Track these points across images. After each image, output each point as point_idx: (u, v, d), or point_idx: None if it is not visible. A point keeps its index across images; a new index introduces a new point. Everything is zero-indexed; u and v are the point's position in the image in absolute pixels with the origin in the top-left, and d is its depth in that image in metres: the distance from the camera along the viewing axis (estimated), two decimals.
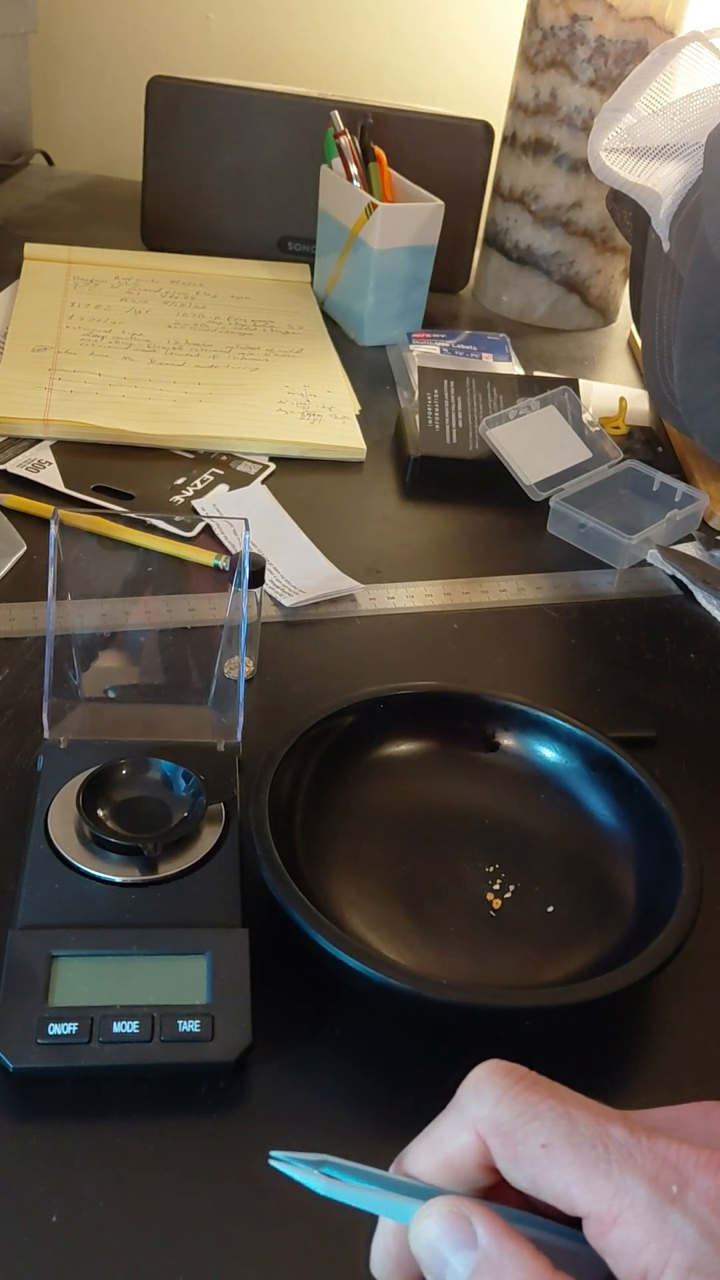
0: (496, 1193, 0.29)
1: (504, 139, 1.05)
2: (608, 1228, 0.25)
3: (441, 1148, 0.28)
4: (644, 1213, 0.25)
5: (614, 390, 0.93)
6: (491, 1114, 0.27)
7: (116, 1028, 0.37)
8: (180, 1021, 0.38)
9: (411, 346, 0.95)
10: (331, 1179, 0.28)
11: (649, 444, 0.85)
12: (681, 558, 0.71)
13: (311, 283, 1.07)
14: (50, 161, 1.39)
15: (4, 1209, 0.34)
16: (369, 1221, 0.35)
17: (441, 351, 0.94)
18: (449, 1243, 0.27)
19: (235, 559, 0.50)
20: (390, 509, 0.75)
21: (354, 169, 0.97)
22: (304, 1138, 0.37)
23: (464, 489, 0.77)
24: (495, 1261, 0.26)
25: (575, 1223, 0.27)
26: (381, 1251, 0.30)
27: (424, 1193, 0.29)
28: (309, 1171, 0.29)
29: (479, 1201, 0.27)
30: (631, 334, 1.07)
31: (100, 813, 0.45)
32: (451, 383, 0.84)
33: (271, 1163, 0.28)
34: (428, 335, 0.96)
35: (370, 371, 0.93)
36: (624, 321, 1.12)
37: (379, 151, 0.99)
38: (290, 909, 0.40)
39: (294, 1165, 0.29)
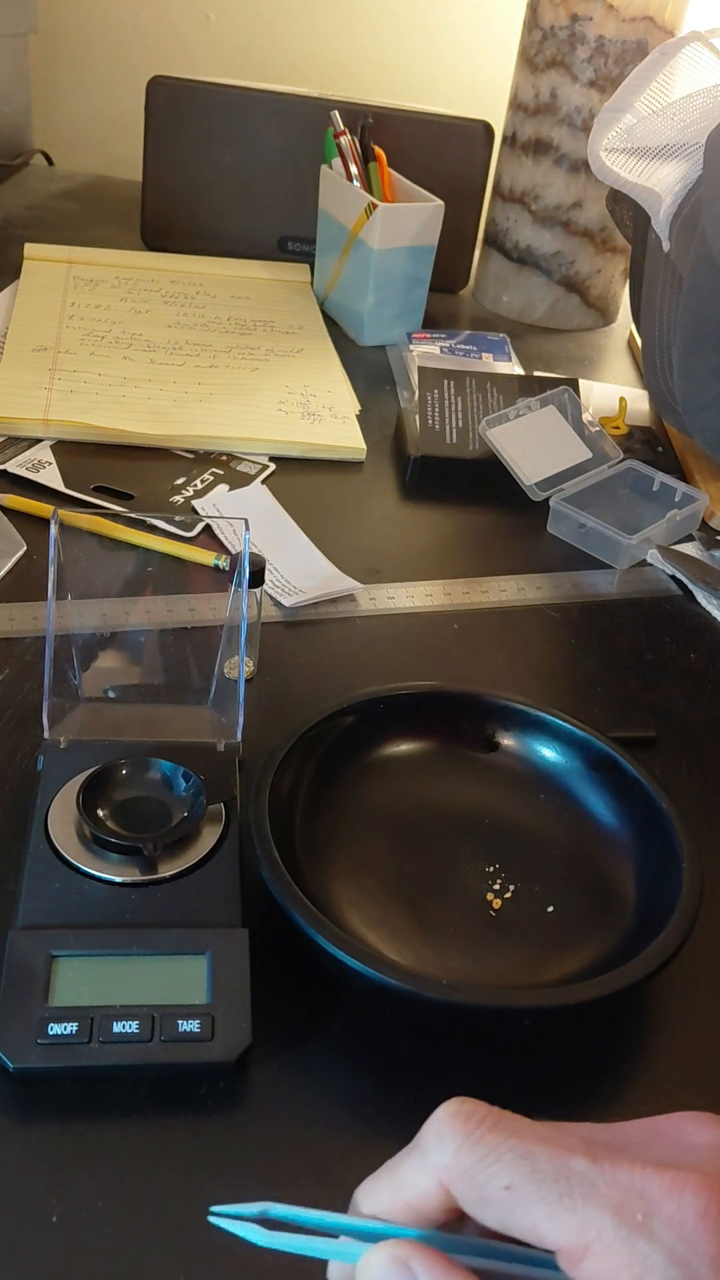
0: (469, 1219, 0.28)
1: (504, 139, 1.05)
2: (579, 1260, 0.26)
3: (404, 1192, 0.28)
4: (612, 1243, 0.25)
5: (614, 390, 0.93)
6: (454, 1162, 0.27)
7: (116, 1028, 0.37)
8: (180, 1021, 0.38)
9: (411, 346, 0.95)
10: (272, 1230, 0.28)
11: (649, 444, 0.85)
12: (681, 558, 0.71)
13: (311, 283, 1.07)
14: (50, 161, 1.39)
15: (4, 1209, 0.34)
16: None
17: (441, 351, 0.94)
18: None
19: (235, 559, 0.50)
20: (390, 509, 0.75)
21: (354, 169, 0.97)
22: (304, 1137, 0.37)
23: (464, 489, 0.77)
24: None
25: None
26: (338, 1272, 0.29)
27: (373, 1233, 0.28)
28: (247, 1225, 0.28)
29: (420, 1245, 0.27)
30: (631, 334, 1.07)
31: (100, 813, 0.45)
32: (451, 383, 0.84)
33: (210, 1219, 0.28)
34: (428, 335, 0.96)
35: (370, 371, 0.93)
36: (624, 321, 1.12)
37: (379, 151, 0.99)
38: (290, 909, 0.40)
39: (232, 1220, 0.28)
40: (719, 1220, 0.25)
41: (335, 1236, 0.28)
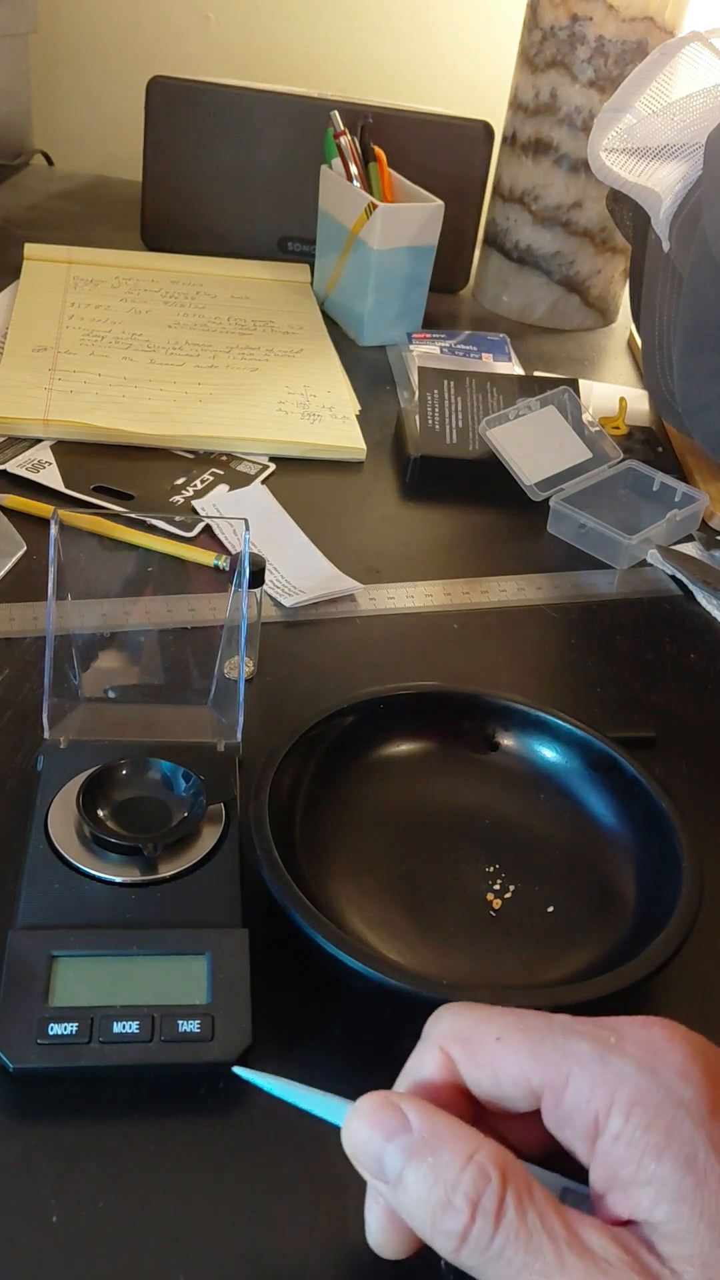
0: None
1: (504, 139, 1.05)
2: (561, 1092, 0.28)
3: (413, 1074, 0.31)
4: (588, 1064, 0.28)
5: (614, 390, 0.93)
6: (451, 1027, 0.30)
7: (116, 1028, 0.37)
8: (180, 1021, 0.38)
9: (411, 346, 0.95)
10: (258, 1074, 0.31)
11: (649, 444, 0.85)
12: (681, 558, 0.71)
13: (311, 283, 1.07)
14: (50, 161, 1.39)
15: (4, 1209, 0.34)
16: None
17: (441, 351, 0.94)
18: (381, 1132, 0.28)
19: (235, 559, 0.50)
20: (390, 509, 0.75)
21: (354, 169, 0.97)
22: (304, 1137, 0.37)
23: (464, 489, 0.77)
24: (428, 1136, 0.28)
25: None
26: (374, 1206, 0.31)
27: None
28: (265, 1076, 0.31)
29: (404, 1093, 0.29)
30: (631, 334, 1.07)
31: (100, 813, 0.45)
32: (451, 383, 0.84)
33: (234, 1069, 0.32)
34: (428, 335, 0.96)
35: (370, 371, 0.93)
36: (624, 321, 1.12)
37: (379, 151, 0.99)
38: (290, 909, 0.40)
39: (256, 1075, 0.32)
40: (684, 1043, 0.28)
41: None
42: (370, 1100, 0.29)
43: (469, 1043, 0.29)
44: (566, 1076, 0.28)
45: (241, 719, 0.49)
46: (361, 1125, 0.28)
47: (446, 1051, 0.30)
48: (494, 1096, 0.29)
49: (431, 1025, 0.31)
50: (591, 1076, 0.27)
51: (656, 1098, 0.27)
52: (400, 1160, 0.27)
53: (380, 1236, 0.31)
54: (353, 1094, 0.39)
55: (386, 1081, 0.39)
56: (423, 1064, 0.30)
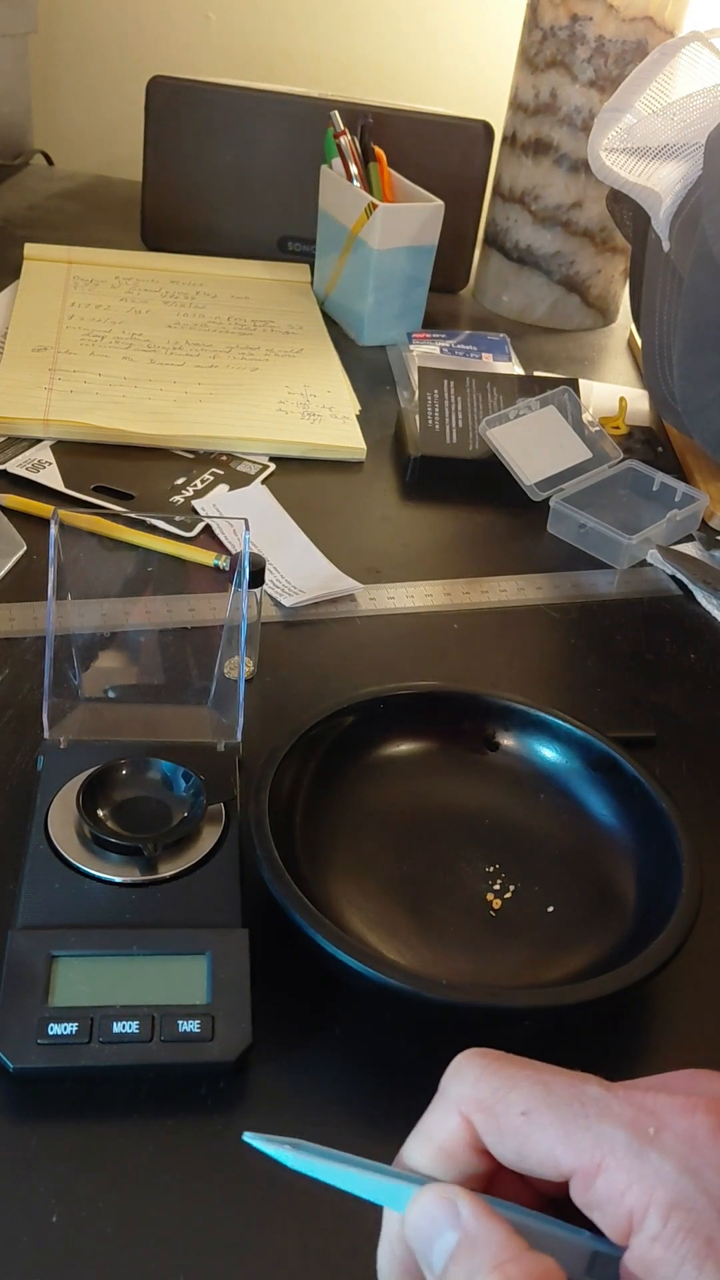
0: (496, 1185, 0.29)
1: (504, 139, 1.05)
2: (591, 1179, 0.26)
3: (434, 1137, 0.29)
4: (624, 1156, 0.26)
5: (614, 390, 0.93)
6: (473, 1092, 0.28)
7: (116, 1028, 0.37)
8: (180, 1021, 0.38)
9: (411, 346, 0.95)
10: (302, 1153, 0.29)
11: (649, 444, 0.85)
12: (681, 558, 0.71)
13: (311, 283, 1.07)
14: (50, 161, 1.39)
15: (4, 1209, 0.34)
16: (369, 1220, 0.35)
17: (441, 351, 0.94)
18: (437, 1225, 0.27)
19: (235, 559, 0.50)
20: (390, 509, 0.75)
21: (354, 169, 0.97)
22: (304, 1137, 0.37)
23: (464, 489, 0.77)
24: (475, 1238, 0.27)
25: (567, 1213, 0.28)
26: (388, 1255, 0.30)
27: (412, 1179, 0.29)
28: (280, 1147, 0.29)
29: (464, 1189, 0.28)
30: (631, 334, 1.07)
31: (100, 813, 0.45)
32: (451, 383, 0.84)
33: (245, 1138, 0.29)
34: (428, 335, 0.96)
35: (370, 371, 0.93)
36: (624, 321, 1.12)
37: (379, 151, 0.99)
38: (290, 909, 0.40)
39: (267, 1141, 0.29)
40: None
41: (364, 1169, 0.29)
42: (430, 1193, 0.28)
43: (491, 1113, 0.28)
44: (599, 1165, 0.26)
45: (241, 719, 0.49)
46: (418, 1216, 0.28)
47: (468, 1119, 0.28)
48: (518, 1168, 0.28)
49: (450, 1083, 0.29)
50: (627, 1171, 0.26)
51: (699, 1203, 0.25)
52: (445, 1256, 0.27)
53: (393, 1273, 0.31)
54: (353, 1094, 0.39)
55: (386, 1081, 0.39)
56: (443, 1127, 0.29)
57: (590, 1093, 0.27)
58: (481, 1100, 0.28)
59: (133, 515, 0.66)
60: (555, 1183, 0.28)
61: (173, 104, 1.06)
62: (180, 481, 0.74)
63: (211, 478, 0.75)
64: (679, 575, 0.70)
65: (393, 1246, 0.30)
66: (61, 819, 0.45)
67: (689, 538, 0.74)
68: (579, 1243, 0.28)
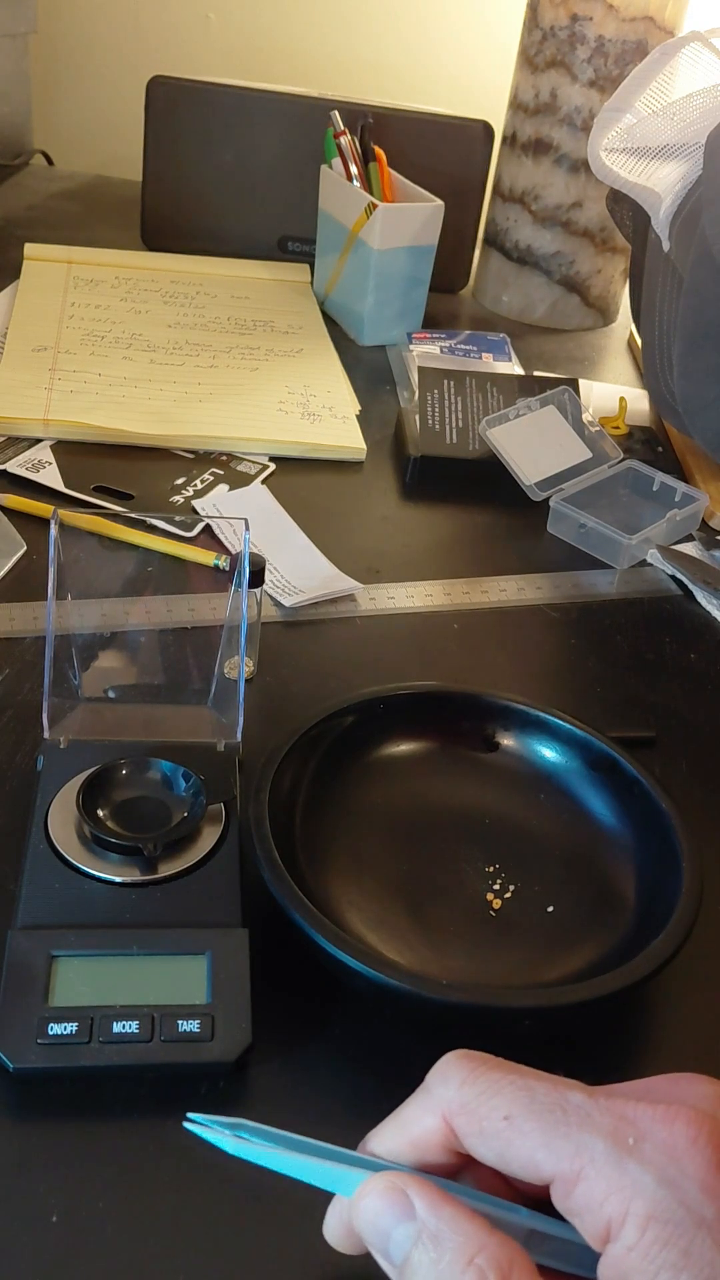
0: (466, 1172, 0.29)
1: (504, 139, 1.05)
2: (571, 1187, 0.26)
3: (409, 1129, 0.29)
4: (603, 1166, 0.26)
5: (614, 390, 0.93)
6: (456, 1095, 0.28)
7: (116, 1028, 0.37)
8: (180, 1021, 0.38)
9: (411, 346, 0.95)
10: (242, 1140, 0.29)
11: (649, 444, 0.85)
12: (681, 558, 0.71)
13: (311, 283, 1.07)
14: (50, 161, 1.39)
15: (4, 1209, 0.34)
16: None
17: (441, 351, 0.94)
18: (389, 1217, 0.28)
19: (235, 559, 0.50)
20: (390, 509, 0.75)
21: (354, 169, 0.97)
22: (305, 1136, 0.37)
23: (464, 489, 0.77)
24: (433, 1229, 0.27)
25: (545, 1206, 0.28)
26: (336, 1219, 0.31)
27: (361, 1163, 0.30)
28: (219, 1133, 0.29)
29: (414, 1174, 0.28)
30: (631, 334, 1.07)
31: (100, 813, 0.45)
32: (451, 383, 0.84)
33: (185, 1125, 0.29)
34: (428, 335, 0.96)
35: (370, 371, 0.93)
36: (624, 321, 1.12)
37: (379, 151, 0.99)
38: (290, 909, 0.40)
39: (208, 1126, 0.29)
40: (709, 1148, 0.26)
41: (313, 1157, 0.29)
42: (380, 1183, 0.28)
43: (474, 1116, 0.28)
44: (578, 1173, 0.26)
45: (241, 719, 0.49)
46: (367, 1207, 0.28)
47: (449, 1121, 0.28)
48: (500, 1169, 0.28)
49: (435, 1082, 0.29)
50: (606, 1180, 0.26)
51: (676, 1214, 0.25)
52: (405, 1247, 0.27)
53: (339, 1237, 0.31)
54: (353, 1094, 0.39)
55: (386, 1081, 0.39)
56: (421, 1124, 0.29)
57: (573, 1100, 0.27)
58: (465, 1104, 0.28)
59: (133, 515, 0.66)
60: (535, 1185, 0.28)
61: (173, 104, 1.06)
62: (180, 481, 0.74)
63: (211, 478, 0.75)
64: (679, 575, 0.70)
65: (341, 1210, 0.30)
66: (61, 819, 0.45)
67: (689, 538, 0.74)
68: (516, 1221, 0.28)
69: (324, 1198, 0.35)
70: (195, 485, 0.74)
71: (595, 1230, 0.26)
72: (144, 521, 0.65)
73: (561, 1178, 0.26)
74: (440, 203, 0.94)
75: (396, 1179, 0.28)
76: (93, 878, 0.43)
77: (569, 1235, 0.28)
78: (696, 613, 0.68)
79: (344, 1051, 0.40)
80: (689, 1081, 0.29)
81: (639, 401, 0.91)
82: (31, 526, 0.67)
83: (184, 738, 0.49)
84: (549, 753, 0.51)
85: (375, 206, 0.91)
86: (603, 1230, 0.26)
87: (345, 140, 0.98)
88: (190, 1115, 0.30)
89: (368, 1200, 0.28)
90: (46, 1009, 0.38)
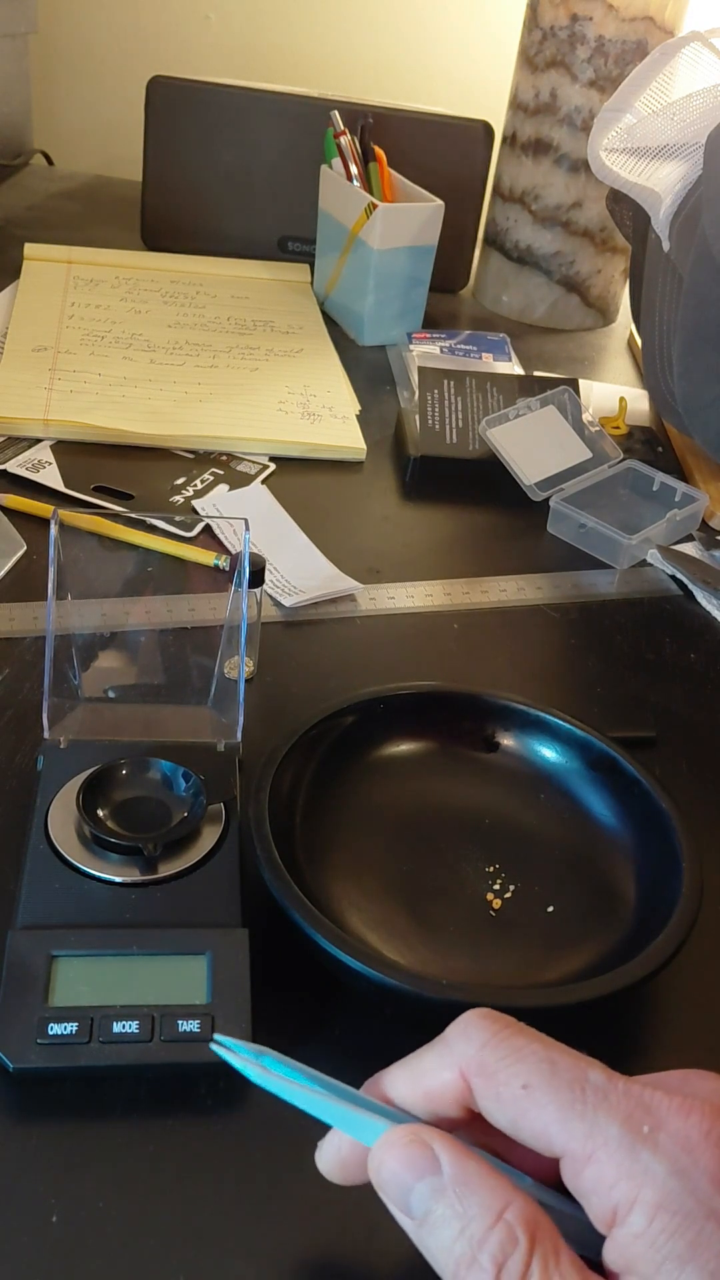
0: (466, 1131, 0.29)
1: (504, 139, 1.05)
2: (582, 1166, 0.26)
3: (423, 1081, 0.29)
4: (616, 1151, 0.26)
5: (614, 390, 0.93)
6: (478, 1055, 0.28)
7: (116, 1028, 0.37)
8: (180, 1021, 0.38)
9: (411, 346, 0.95)
10: (267, 1071, 0.29)
11: (649, 444, 0.85)
12: (681, 558, 0.71)
13: (311, 283, 1.07)
14: (50, 161, 1.39)
15: (4, 1209, 0.34)
16: (370, 1220, 0.35)
17: (441, 351, 0.94)
18: (413, 1170, 0.27)
19: (235, 559, 0.50)
20: (390, 509, 0.75)
21: (354, 169, 0.97)
22: (304, 1138, 0.37)
23: (464, 489, 0.77)
24: (460, 1184, 0.27)
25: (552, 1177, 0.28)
26: (333, 1150, 0.31)
27: (381, 1111, 0.29)
28: (245, 1062, 0.29)
29: (437, 1130, 0.28)
30: (631, 334, 1.07)
31: (100, 813, 0.45)
32: (451, 383, 0.84)
33: (212, 1046, 0.30)
34: (428, 335, 0.96)
35: (370, 371, 0.93)
36: (624, 321, 1.12)
37: (379, 151, 0.99)
38: (290, 909, 0.40)
39: (235, 1051, 0.29)
40: None
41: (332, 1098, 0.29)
42: (403, 1135, 0.28)
43: (493, 1079, 0.28)
44: (590, 1154, 0.26)
45: (241, 719, 0.49)
46: (390, 1159, 0.28)
47: (466, 1080, 0.28)
48: (511, 1135, 0.28)
49: (456, 1038, 0.29)
50: (618, 1165, 0.26)
51: (685, 1205, 0.25)
52: (428, 1202, 0.27)
53: (332, 1168, 0.31)
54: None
55: None
56: (437, 1077, 0.29)
57: (593, 1079, 0.27)
58: (485, 1065, 0.28)
59: (133, 515, 0.66)
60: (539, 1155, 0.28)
61: (173, 104, 1.06)
62: (180, 481, 0.74)
63: (211, 478, 0.75)
64: (679, 575, 0.70)
65: (339, 1143, 0.30)
66: (61, 819, 0.45)
67: (689, 538, 0.74)
68: (521, 1188, 0.28)
69: (326, 1195, 0.35)
70: (195, 485, 0.74)
71: (602, 1212, 0.26)
72: (144, 521, 0.65)
73: (572, 1156, 0.26)
74: (440, 203, 0.94)
75: (421, 1131, 0.28)
76: (93, 878, 0.43)
77: (568, 1209, 0.28)
78: (696, 613, 0.68)
79: (344, 1051, 0.40)
80: (699, 1078, 0.29)
81: (639, 401, 0.91)
82: (31, 526, 0.67)
83: (184, 738, 0.49)
84: (549, 753, 0.51)
85: (375, 206, 0.91)
86: (609, 1213, 0.26)
87: (345, 140, 0.98)
88: (217, 1037, 0.30)
89: (391, 1151, 0.28)
90: (46, 1009, 0.38)
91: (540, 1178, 0.29)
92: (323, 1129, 0.31)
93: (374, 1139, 0.29)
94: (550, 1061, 0.28)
